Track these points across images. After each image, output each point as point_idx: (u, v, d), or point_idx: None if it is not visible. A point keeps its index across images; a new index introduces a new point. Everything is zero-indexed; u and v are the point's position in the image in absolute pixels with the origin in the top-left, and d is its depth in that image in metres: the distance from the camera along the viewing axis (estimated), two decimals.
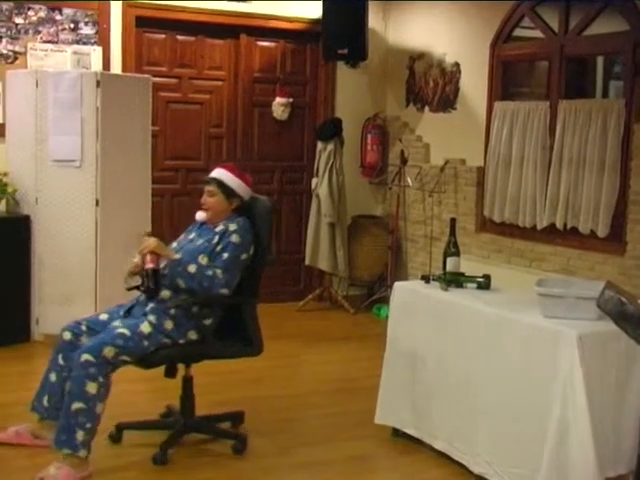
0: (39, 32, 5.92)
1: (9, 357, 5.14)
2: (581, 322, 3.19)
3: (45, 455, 3.49)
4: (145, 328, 3.55)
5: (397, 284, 4.06)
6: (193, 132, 6.67)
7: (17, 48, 5.87)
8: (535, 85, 6.15)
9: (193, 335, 3.65)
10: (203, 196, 3.84)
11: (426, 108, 6.74)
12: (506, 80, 6.00)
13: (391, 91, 7.16)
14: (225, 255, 3.64)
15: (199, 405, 3.87)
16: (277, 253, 6.83)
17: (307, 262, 6.76)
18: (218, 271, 3.59)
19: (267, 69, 6.88)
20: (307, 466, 3.71)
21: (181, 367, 3.77)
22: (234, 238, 3.68)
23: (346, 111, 6.99)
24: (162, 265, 3.55)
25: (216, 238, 3.70)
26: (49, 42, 5.94)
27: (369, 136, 7.02)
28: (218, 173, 3.85)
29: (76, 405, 3.35)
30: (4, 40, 5.82)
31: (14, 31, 5.85)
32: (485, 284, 3.83)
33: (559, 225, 5.38)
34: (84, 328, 3.66)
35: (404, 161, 6.57)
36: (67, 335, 3.65)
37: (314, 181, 6.68)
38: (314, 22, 6.76)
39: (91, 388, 3.36)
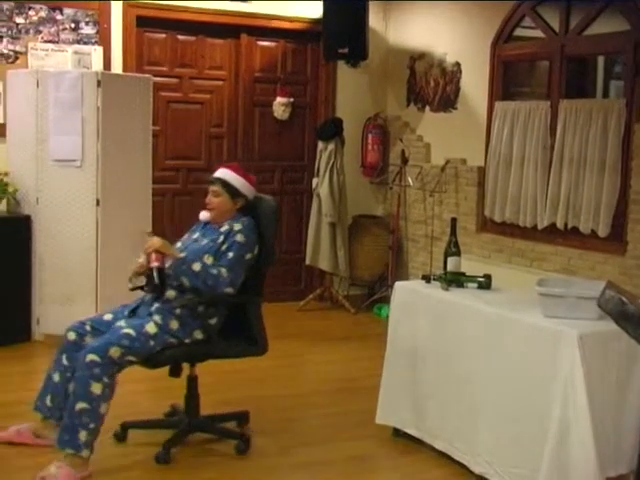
0: (40, 32, 5.92)
1: (10, 357, 5.14)
2: (582, 322, 3.19)
3: (46, 454, 3.48)
4: (151, 328, 3.55)
5: (398, 284, 4.06)
6: (194, 132, 6.67)
7: (18, 48, 5.87)
8: (536, 85, 6.14)
9: (199, 335, 3.65)
10: (208, 196, 3.84)
11: (427, 108, 6.74)
12: (507, 80, 6.00)
13: (392, 91, 7.16)
14: (230, 254, 3.64)
15: (203, 404, 3.87)
16: (278, 253, 6.82)
17: (308, 262, 6.76)
18: (223, 270, 3.59)
19: (268, 69, 6.88)
20: (308, 466, 3.71)
21: (185, 366, 3.77)
22: (239, 237, 3.68)
23: (347, 111, 6.99)
24: (167, 264, 3.55)
25: (221, 238, 3.71)
26: (50, 42, 5.94)
27: (370, 136, 7.01)
28: (222, 173, 3.85)
29: (80, 405, 3.35)
30: (5, 40, 5.82)
31: (15, 31, 5.85)
32: (486, 284, 3.83)
33: (560, 225, 5.38)
34: (88, 328, 3.66)
35: (405, 161, 6.57)
36: (71, 335, 3.65)
37: (315, 181, 6.67)
38: (315, 22, 6.76)
39: (95, 388, 3.36)
